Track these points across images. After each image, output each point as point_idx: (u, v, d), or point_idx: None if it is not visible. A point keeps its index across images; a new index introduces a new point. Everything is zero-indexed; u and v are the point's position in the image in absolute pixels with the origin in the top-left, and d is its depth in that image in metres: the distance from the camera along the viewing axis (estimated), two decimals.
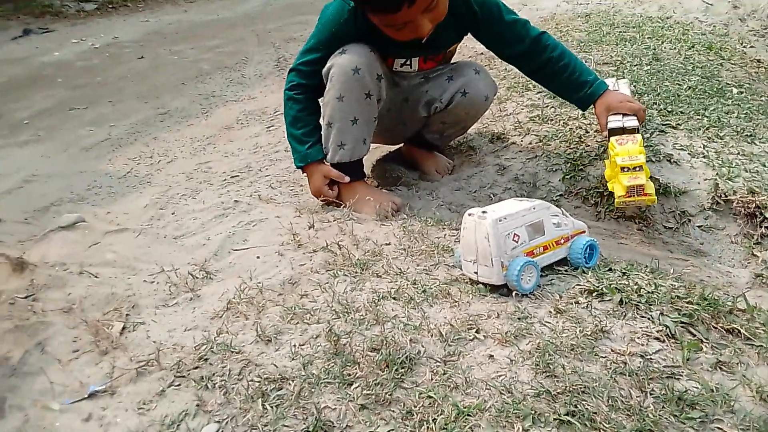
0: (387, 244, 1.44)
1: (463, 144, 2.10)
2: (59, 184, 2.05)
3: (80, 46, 4.26)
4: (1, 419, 0.98)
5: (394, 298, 1.15)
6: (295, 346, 1.04)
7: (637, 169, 1.45)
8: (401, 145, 2.06)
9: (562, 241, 1.22)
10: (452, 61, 1.86)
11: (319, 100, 1.71)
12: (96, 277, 1.41)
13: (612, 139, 1.54)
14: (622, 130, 1.55)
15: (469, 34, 1.75)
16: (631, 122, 1.57)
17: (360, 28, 1.60)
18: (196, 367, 1.01)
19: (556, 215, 1.22)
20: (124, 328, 1.19)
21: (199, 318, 1.20)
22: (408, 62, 1.73)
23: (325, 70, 1.63)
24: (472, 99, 1.79)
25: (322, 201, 1.71)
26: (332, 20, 1.63)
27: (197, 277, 1.37)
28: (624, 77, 2.24)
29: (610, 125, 1.58)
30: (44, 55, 4.07)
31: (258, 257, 1.44)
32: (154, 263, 1.48)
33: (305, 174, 1.73)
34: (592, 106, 1.69)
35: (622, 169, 1.46)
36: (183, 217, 1.74)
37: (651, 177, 1.59)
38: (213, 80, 3.18)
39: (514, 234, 1.15)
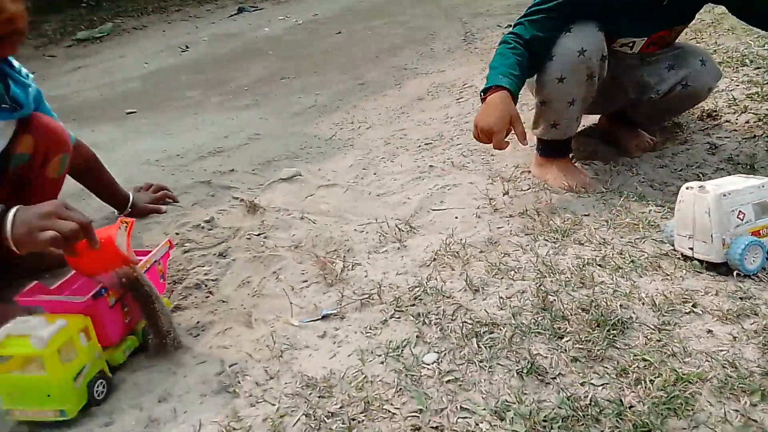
0: (586, 215, 1.43)
1: (668, 122, 1.98)
2: (277, 143, 2.30)
3: (286, 23, 4.68)
4: (249, 329, 1.16)
5: (599, 266, 1.16)
6: (502, 298, 1.10)
7: None
8: (598, 116, 2.00)
9: None
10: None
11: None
12: (314, 222, 1.59)
13: None
14: None
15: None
16: None
17: None
18: (413, 305, 1.11)
19: None
20: (343, 267, 1.34)
21: (409, 264, 1.30)
22: (631, 44, 1.64)
23: (549, 49, 1.54)
24: (694, 91, 1.68)
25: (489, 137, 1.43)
26: None
27: (402, 230, 1.48)
28: None
29: None
30: (256, 30, 4.53)
31: (456, 218, 1.52)
32: (362, 215, 1.62)
33: (484, 100, 1.47)
34: None
35: None
36: (383, 177, 1.87)
37: None
38: (404, 54, 3.31)
39: (740, 211, 1.09)
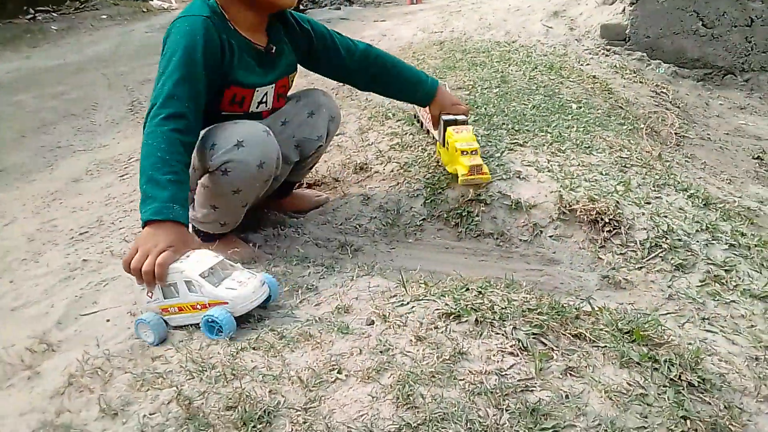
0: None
1: (327, 176, 2.10)
2: None
3: None
4: None
5: (253, 348, 1.10)
6: (144, 416, 0.95)
7: (474, 152, 1.70)
8: None
9: (199, 306, 1.18)
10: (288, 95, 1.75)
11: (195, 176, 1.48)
12: None
13: (449, 128, 1.77)
14: (455, 122, 1.80)
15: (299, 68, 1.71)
16: (459, 117, 1.82)
17: (222, 38, 1.42)
18: None
19: (195, 281, 1.17)
20: None
21: (37, 399, 1.08)
22: (264, 100, 1.60)
23: (216, 161, 1.40)
24: (337, 121, 1.80)
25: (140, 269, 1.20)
26: (194, 39, 1.37)
27: (36, 352, 1.23)
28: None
29: (445, 118, 1.80)
30: None
31: (108, 321, 1.34)
32: None
33: (150, 228, 1.23)
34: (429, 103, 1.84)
35: (462, 152, 1.69)
36: (22, 285, 1.58)
37: (503, 193, 1.73)
38: (57, 130, 2.93)
39: (149, 291, 1.20)
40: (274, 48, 1.56)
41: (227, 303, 1.16)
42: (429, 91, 1.80)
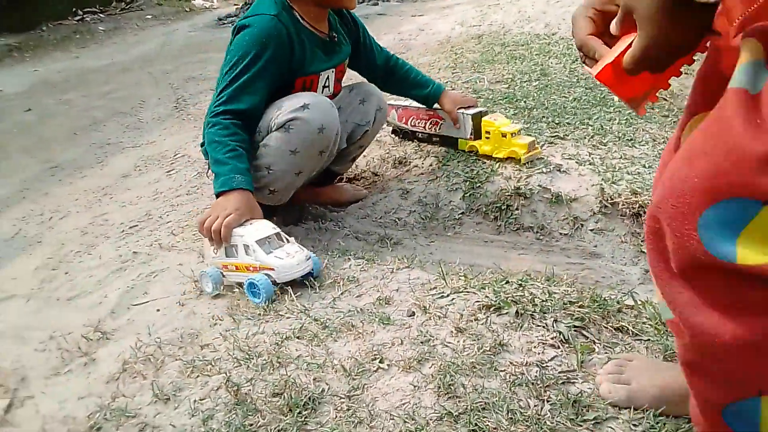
0: (291, 281, 1.41)
1: (367, 171, 2.12)
2: None
3: None
4: None
5: (297, 338, 1.14)
6: (194, 401, 1.00)
7: (519, 132, 1.87)
8: None
9: (251, 268, 1.34)
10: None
11: (258, 140, 1.59)
12: None
13: (483, 119, 1.90)
14: (479, 114, 1.92)
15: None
16: (482, 108, 1.98)
17: (291, 36, 1.55)
18: None
19: (251, 246, 1.33)
20: (10, 405, 1.11)
21: (93, 384, 1.13)
22: (327, 84, 1.72)
23: (282, 118, 1.52)
24: (384, 112, 1.89)
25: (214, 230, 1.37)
26: (262, 43, 1.50)
27: (92, 339, 1.30)
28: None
29: (471, 112, 1.92)
30: None
31: (158, 310, 1.39)
32: (45, 329, 1.39)
33: (221, 198, 1.42)
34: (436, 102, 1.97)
35: (512, 134, 1.84)
36: (77, 276, 1.65)
37: (543, 186, 1.74)
38: (107, 127, 3.04)
39: (215, 248, 1.39)
40: (336, 36, 1.69)
41: (273, 270, 1.30)
42: (435, 92, 1.94)
